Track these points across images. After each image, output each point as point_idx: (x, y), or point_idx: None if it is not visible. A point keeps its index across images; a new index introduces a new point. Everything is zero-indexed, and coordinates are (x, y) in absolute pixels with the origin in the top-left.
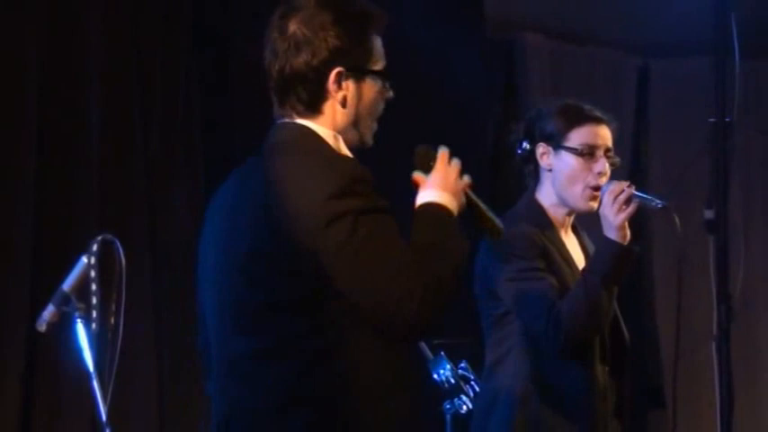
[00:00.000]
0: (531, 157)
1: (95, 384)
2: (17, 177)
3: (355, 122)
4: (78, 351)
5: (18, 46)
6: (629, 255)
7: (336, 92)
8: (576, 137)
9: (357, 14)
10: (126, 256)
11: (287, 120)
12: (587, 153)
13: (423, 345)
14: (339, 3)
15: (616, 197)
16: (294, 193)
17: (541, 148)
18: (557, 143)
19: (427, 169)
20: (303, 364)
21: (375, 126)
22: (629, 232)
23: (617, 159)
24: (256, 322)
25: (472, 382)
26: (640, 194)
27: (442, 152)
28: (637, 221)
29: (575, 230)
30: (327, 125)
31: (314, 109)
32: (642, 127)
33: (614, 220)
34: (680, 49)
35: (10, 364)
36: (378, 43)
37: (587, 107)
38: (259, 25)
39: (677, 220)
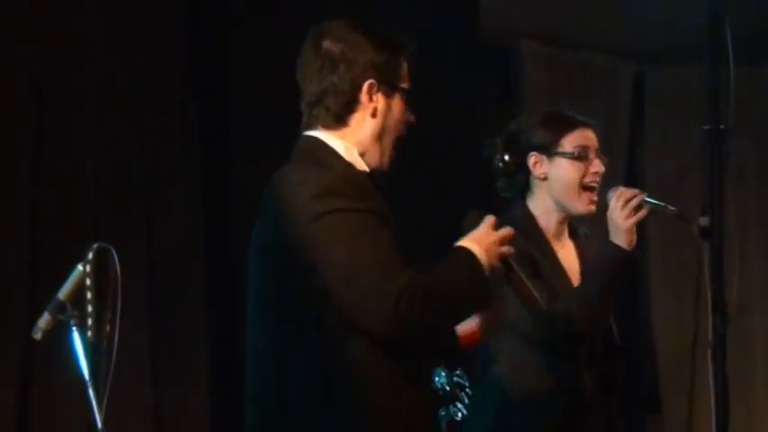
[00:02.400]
0: (518, 168)
1: (91, 392)
2: (13, 185)
3: (380, 136)
4: (74, 359)
5: (15, 53)
6: (631, 260)
7: (368, 102)
8: (569, 142)
9: (386, 37)
10: (122, 264)
11: (307, 133)
12: (583, 155)
13: None
14: (369, 26)
15: (627, 201)
16: (287, 194)
17: (533, 158)
18: (550, 151)
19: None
20: (299, 363)
21: (393, 150)
22: (635, 237)
23: (604, 159)
24: (264, 321)
25: (467, 390)
26: (653, 201)
27: (490, 218)
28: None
29: (573, 235)
30: (349, 138)
31: (341, 121)
32: (637, 133)
33: (623, 224)
34: (675, 56)
35: (5, 372)
36: (405, 67)
37: (570, 114)
38: (256, 29)
39: (694, 226)
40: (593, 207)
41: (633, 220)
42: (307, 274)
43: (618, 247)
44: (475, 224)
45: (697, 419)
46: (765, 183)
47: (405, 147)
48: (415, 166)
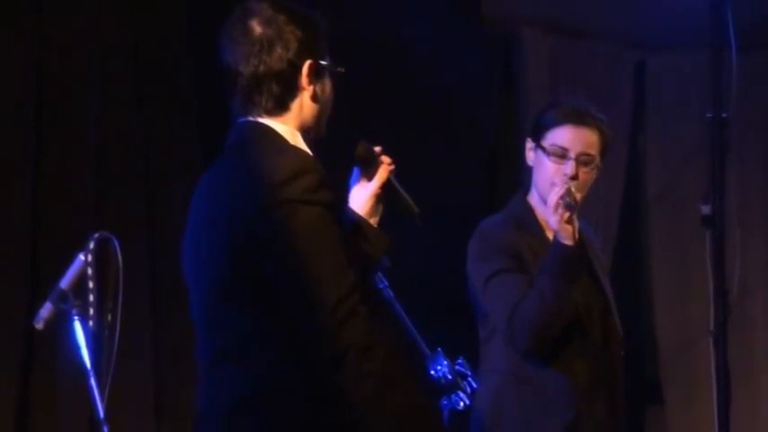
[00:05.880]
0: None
1: (92, 382)
2: (14, 174)
3: (318, 117)
4: (75, 349)
5: (14, 42)
6: (572, 252)
7: (308, 85)
8: (551, 137)
9: (307, 17)
10: (123, 253)
11: (249, 119)
12: (558, 155)
13: (420, 340)
14: (290, 6)
15: (552, 199)
16: (244, 182)
17: (528, 144)
18: (538, 141)
19: (364, 166)
20: (253, 365)
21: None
22: (573, 229)
23: (594, 162)
24: (216, 322)
25: (469, 379)
26: (567, 199)
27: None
28: (633, 217)
29: None
30: (291, 122)
31: (282, 106)
32: (639, 122)
33: (551, 221)
34: (677, 44)
35: (7, 362)
36: (324, 45)
37: (576, 107)
38: None
39: None
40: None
41: (556, 217)
42: (253, 271)
43: (558, 243)
44: (365, 155)
45: (698, 407)
46: (767, 170)
47: (407, 136)
48: (415, 155)
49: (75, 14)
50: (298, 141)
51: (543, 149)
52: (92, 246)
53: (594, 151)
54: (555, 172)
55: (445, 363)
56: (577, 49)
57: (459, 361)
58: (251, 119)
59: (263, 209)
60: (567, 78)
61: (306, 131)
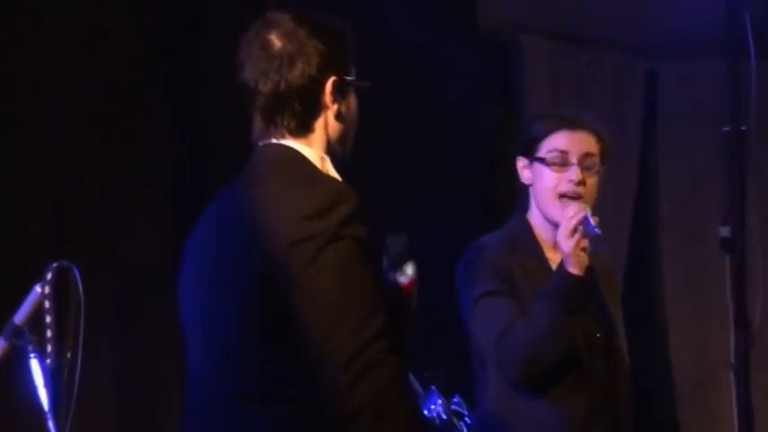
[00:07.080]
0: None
1: (51, 425)
2: None
3: (344, 137)
4: (32, 388)
5: None
6: (580, 283)
7: (332, 103)
8: (548, 144)
9: (331, 28)
10: (85, 284)
11: (273, 141)
12: (558, 161)
13: (412, 378)
14: (313, 18)
15: (569, 220)
16: (271, 210)
17: (520, 162)
18: (531, 155)
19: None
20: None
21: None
22: (585, 259)
23: (596, 166)
24: (237, 361)
25: (466, 418)
26: (590, 223)
27: None
28: (645, 239)
29: None
30: (316, 145)
31: (305, 126)
32: (650, 136)
33: (564, 246)
34: (691, 52)
35: None
36: (350, 55)
37: (565, 113)
38: (230, 33)
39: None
40: None
41: (572, 242)
42: (273, 304)
43: (564, 271)
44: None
45: None
46: None
47: (405, 146)
48: (413, 164)
49: (40, 23)
50: (327, 167)
51: (541, 160)
52: (50, 276)
53: (596, 152)
54: (558, 181)
55: (440, 401)
56: (581, 56)
57: (456, 399)
58: (274, 141)
59: (293, 241)
60: (570, 89)
61: (331, 152)
